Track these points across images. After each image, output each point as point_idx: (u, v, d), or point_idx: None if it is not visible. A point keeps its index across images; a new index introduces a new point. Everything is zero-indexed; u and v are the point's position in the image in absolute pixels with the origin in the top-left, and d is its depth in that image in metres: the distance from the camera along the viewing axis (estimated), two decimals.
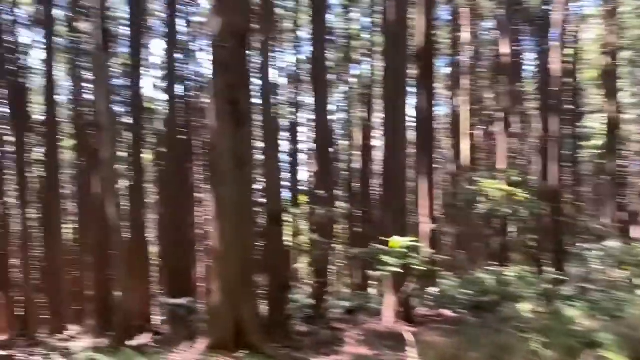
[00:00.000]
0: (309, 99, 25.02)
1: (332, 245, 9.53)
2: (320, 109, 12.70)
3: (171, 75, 15.96)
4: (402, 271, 6.01)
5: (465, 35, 22.06)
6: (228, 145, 6.69)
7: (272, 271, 8.85)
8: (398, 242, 5.77)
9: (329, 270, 9.97)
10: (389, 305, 9.44)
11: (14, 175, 17.56)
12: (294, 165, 18.81)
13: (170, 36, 15.64)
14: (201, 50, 24.31)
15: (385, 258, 5.67)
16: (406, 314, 9.56)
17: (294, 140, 19.58)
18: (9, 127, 16.62)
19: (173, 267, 13.01)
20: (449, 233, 18.40)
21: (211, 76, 6.98)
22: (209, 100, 6.91)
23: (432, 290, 12.20)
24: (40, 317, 15.89)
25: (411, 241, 5.91)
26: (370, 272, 8.01)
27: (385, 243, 6.62)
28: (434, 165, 13.62)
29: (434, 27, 13.60)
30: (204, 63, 24.47)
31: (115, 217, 8.52)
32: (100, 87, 9.03)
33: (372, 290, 15.14)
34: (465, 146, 22.22)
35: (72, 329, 15.51)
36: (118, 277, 9.17)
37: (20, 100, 15.71)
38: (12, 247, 18.55)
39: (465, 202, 14.21)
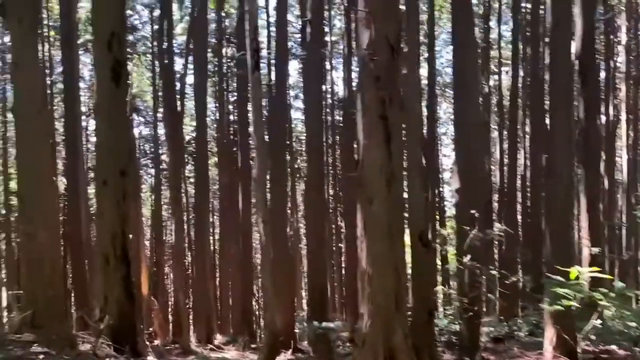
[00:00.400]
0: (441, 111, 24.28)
1: (485, 269, 8.82)
2: (462, 120, 12.05)
3: (308, 94, 16.31)
4: (579, 305, 5.25)
5: (623, 36, 19.93)
6: (378, 161, 6.42)
7: (418, 294, 8.39)
8: (576, 272, 5.03)
9: (480, 296, 9.24)
10: (550, 337, 8.47)
11: (168, 191, 19.09)
12: (434, 181, 18.16)
13: (307, 56, 16.02)
14: (335, 69, 24.85)
15: (561, 290, 4.96)
16: (569, 349, 8.52)
17: (432, 155, 18.93)
18: (165, 147, 18.11)
19: (313, 283, 13.07)
20: (612, 257, 16.44)
21: (360, 91, 6.80)
22: (358, 116, 6.71)
23: (596, 322, 10.83)
24: (190, 325, 16.87)
25: (593, 271, 5.13)
26: (544, 305, 7.20)
27: (556, 271, 5.90)
28: (594, 182, 12.26)
29: (594, 30, 12.31)
30: (337, 81, 24.96)
31: (265, 234, 8.68)
32: (254, 107, 9.33)
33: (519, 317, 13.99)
34: (624, 160, 19.96)
35: (218, 338, 16.27)
36: (265, 293, 9.32)
37: (176, 122, 17.04)
38: (166, 256, 20.05)
39: (633, 223, 12.53)
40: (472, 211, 8.15)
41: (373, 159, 6.47)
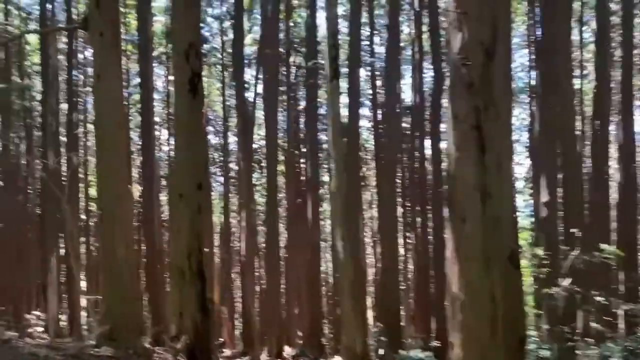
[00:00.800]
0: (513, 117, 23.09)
1: (590, 295, 8.01)
2: (552, 126, 11.25)
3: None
4: None
5: None
6: (471, 176, 5.85)
7: (508, 319, 7.69)
8: None
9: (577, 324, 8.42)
10: None
11: (237, 199, 19.10)
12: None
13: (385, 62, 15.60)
14: (402, 77, 24.25)
15: None
16: None
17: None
18: (234, 156, 18.16)
19: (385, 303, 12.57)
20: None
21: (450, 99, 6.27)
22: (447, 125, 6.17)
23: None
24: (260, 336, 16.71)
25: None
26: None
27: None
28: None
29: None
30: (405, 89, 24.33)
31: (344, 251, 8.28)
32: (332, 116, 9.01)
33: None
34: None
35: (286, 350, 16.01)
36: (344, 312, 8.88)
37: (247, 131, 17.05)
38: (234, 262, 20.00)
39: None
40: (573, 230, 7.37)
41: (465, 173, 5.91)
